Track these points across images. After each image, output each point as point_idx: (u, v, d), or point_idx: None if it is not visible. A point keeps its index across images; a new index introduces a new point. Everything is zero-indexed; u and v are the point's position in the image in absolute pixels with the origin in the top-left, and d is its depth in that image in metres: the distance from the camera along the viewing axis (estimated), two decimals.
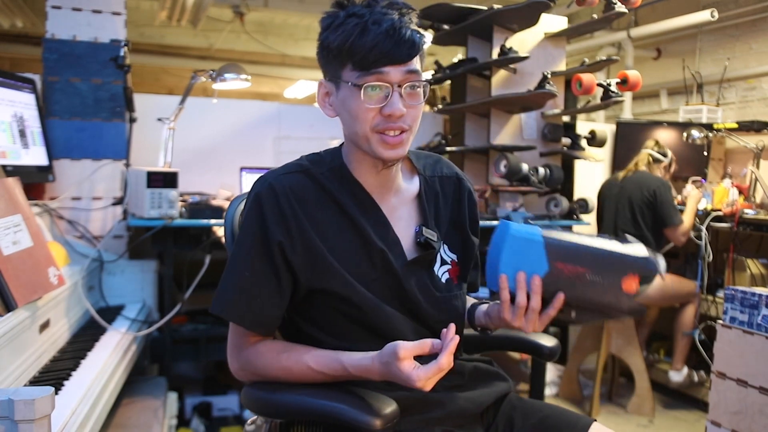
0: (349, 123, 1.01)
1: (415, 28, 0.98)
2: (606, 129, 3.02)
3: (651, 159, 3.03)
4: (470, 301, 1.20)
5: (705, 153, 3.45)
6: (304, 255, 1.00)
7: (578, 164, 3.32)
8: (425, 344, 0.91)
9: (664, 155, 3.04)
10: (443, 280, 1.11)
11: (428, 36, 1.01)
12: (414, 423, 1.03)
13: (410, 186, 1.13)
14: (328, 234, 1.02)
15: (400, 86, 0.97)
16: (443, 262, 1.12)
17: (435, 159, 1.19)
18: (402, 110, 0.97)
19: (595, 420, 1.10)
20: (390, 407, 0.91)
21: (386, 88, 0.97)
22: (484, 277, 1.05)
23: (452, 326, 0.92)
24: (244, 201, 1.19)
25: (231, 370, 1.06)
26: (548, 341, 1.26)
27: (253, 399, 1.01)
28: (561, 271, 0.95)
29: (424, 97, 1.02)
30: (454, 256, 1.13)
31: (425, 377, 0.88)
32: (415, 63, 0.98)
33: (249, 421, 1.21)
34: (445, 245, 1.13)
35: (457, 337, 0.90)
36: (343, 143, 1.10)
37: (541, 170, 2.53)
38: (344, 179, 1.06)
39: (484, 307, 1.13)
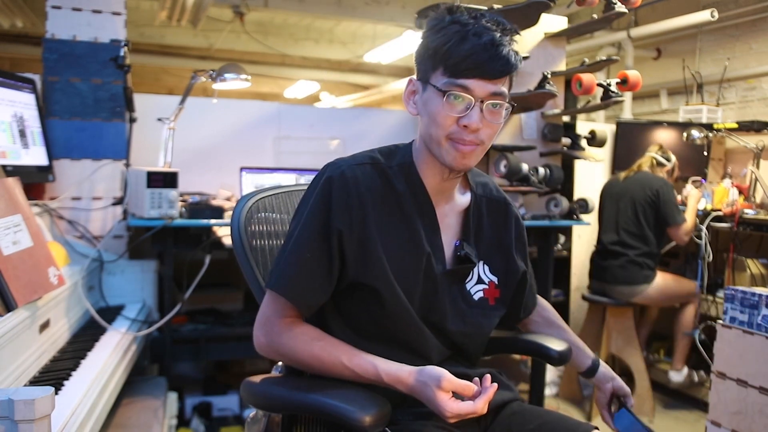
0: (426, 124, 1.03)
1: (514, 48, 1.00)
2: (606, 129, 3.02)
3: (654, 162, 3.04)
4: (586, 353, 1.29)
5: (705, 153, 3.45)
6: (359, 248, 1.02)
7: (578, 164, 3.33)
8: (470, 388, 0.93)
9: (668, 159, 3.05)
10: (476, 297, 1.13)
11: (520, 59, 1.03)
12: (409, 415, 1.04)
13: (462, 199, 1.15)
14: (384, 229, 1.04)
15: (482, 101, 0.98)
16: (479, 281, 1.14)
17: (485, 180, 1.21)
18: (478, 125, 0.99)
19: (597, 428, 1.10)
20: (381, 406, 0.92)
21: (468, 100, 0.98)
22: None
23: (488, 376, 0.95)
24: (251, 201, 1.20)
25: (256, 344, 1.05)
26: (558, 345, 1.25)
27: (251, 392, 1.03)
28: None
29: (505, 117, 1.03)
30: (494, 278, 1.15)
31: (457, 411, 0.90)
32: (504, 83, 1.00)
33: (251, 415, 1.23)
34: (486, 265, 1.15)
35: (495, 386, 0.94)
36: (414, 140, 1.11)
37: (541, 170, 2.53)
38: (410, 177, 1.08)
39: (602, 374, 1.27)
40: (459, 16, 1.00)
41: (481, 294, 1.13)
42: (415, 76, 1.06)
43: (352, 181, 1.02)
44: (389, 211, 1.05)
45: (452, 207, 1.13)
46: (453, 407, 0.90)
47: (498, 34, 0.98)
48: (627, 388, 1.26)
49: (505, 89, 1.00)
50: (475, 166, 1.09)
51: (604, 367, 1.27)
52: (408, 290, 1.04)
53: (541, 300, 1.33)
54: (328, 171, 1.05)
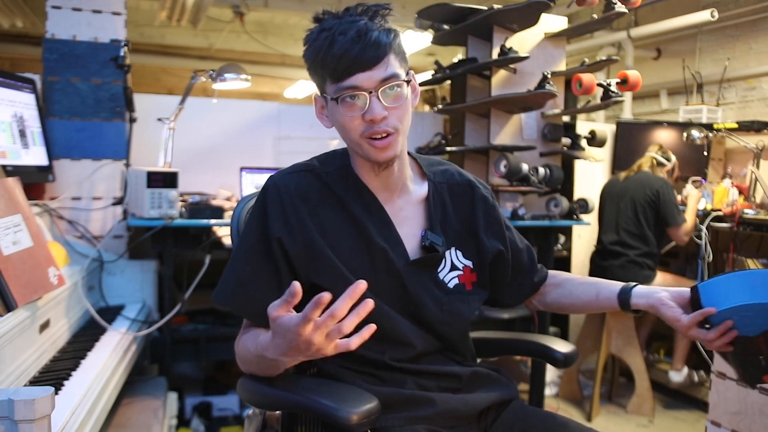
0: (341, 132, 1.04)
1: (385, 27, 0.99)
2: (606, 129, 3.02)
3: (654, 162, 3.04)
4: (610, 283, 1.15)
5: (705, 153, 3.45)
6: (303, 250, 1.03)
7: (578, 164, 3.33)
8: (291, 297, 0.80)
9: (668, 159, 3.05)
10: (450, 284, 1.12)
11: (399, 31, 1.01)
12: (399, 420, 1.03)
13: (419, 189, 1.15)
14: (329, 232, 1.05)
15: (376, 90, 0.98)
16: (453, 267, 1.13)
17: (446, 167, 1.20)
18: (382, 113, 0.98)
19: None
20: (368, 404, 0.91)
21: (363, 96, 0.98)
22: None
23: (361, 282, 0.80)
24: (250, 203, 1.22)
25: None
26: (564, 347, 1.23)
27: (246, 390, 1.04)
28: (758, 343, 0.95)
29: (414, 95, 1.05)
30: (468, 263, 1.14)
31: (302, 326, 0.79)
32: (390, 64, 0.99)
33: (249, 413, 1.24)
34: (458, 251, 1.14)
35: (363, 283, 0.79)
36: None
37: (541, 170, 2.53)
38: (349, 179, 1.09)
39: (642, 290, 1.08)
40: (325, 23, 1.00)
41: (456, 281, 1.12)
42: (316, 94, 1.07)
43: (284, 189, 1.05)
44: (331, 214, 1.06)
45: (408, 199, 1.13)
46: (293, 323, 0.80)
47: (363, 22, 0.98)
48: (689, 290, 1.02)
49: (393, 69, 0.99)
50: (399, 151, 1.05)
51: (642, 288, 1.08)
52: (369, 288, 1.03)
53: (551, 272, 1.28)
54: (264, 185, 1.08)
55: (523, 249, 1.24)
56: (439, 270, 1.12)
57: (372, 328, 0.80)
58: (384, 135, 1.00)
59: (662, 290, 1.06)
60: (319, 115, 1.09)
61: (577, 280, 1.24)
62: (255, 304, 1.02)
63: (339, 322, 0.80)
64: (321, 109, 1.08)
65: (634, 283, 1.11)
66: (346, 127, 1.01)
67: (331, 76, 0.99)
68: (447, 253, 1.13)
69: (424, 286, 1.09)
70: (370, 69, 0.97)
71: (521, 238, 1.25)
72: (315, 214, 1.05)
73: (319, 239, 1.03)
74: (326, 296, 0.78)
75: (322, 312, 0.79)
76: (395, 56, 1.00)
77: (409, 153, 1.15)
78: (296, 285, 0.79)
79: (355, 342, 0.81)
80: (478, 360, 1.21)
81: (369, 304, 0.80)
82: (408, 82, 1.02)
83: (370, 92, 0.98)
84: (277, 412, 1.19)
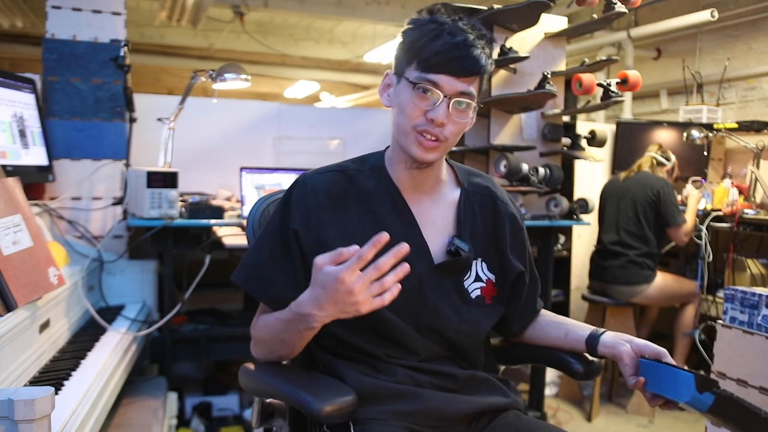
0: (396, 115, 1.06)
1: (486, 52, 1.03)
2: (606, 129, 3.02)
3: (654, 162, 3.04)
4: (580, 326, 1.16)
5: (705, 153, 3.45)
6: (317, 246, 1.03)
7: (578, 164, 3.32)
8: (341, 254, 0.88)
9: (668, 159, 3.05)
10: (473, 295, 1.11)
11: (492, 63, 1.06)
12: (380, 413, 1.03)
13: (451, 194, 1.15)
14: (351, 233, 1.05)
15: (450, 98, 1.01)
16: (477, 279, 1.12)
17: (481, 179, 1.20)
18: (443, 119, 1.01)
19: None
20: (342, 397, 0.92)
21: (437, 95, 1.01)
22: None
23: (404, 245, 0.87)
24: (267, 202, 1.27)
25: (252, 351, 1.12)
26: (583, 359, 1.16)
27: (244, 376, 1.09)
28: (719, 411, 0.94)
29: (472, 119, 1.07)
30: (491, 276, 1.14)
31: (346, 274, 0.85)
32: (474, 84, 1.03)
33: (255, 400, 1.27)
34: (484, 263, 1.13)
35: (406, 247, 0.86)
36: (389, 145, 1.14)
37: (541, 170, 2.53)
38: (381, 178, 1.11)
39: (609, 340, 1.08)
40: (437, 17, 1.04)
41: (478, 292, 1.12)
42: (392, 70, 1.09)
43: (311, 186, 1.08)
44: (355, 214, 1.07)
45: (438, 202, 1.13)
46: (339, 270, 0.86)
47: (472, 36, 1.01)
48: (654, 347, 1.02)
49: (473, 90, 1.03)
50: (440, 159, 1.10)
51: (610, 336, 1.09)
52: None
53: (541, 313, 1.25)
54: (296, 179, 1.11)
55: (536, 279, 1.23)
56: (464, 278, 1.11)
57: (398, 288, 0.87)
58: (434, 138, 1.02)
59: (628, 342, 1.06)
60: (382, 90, 1.10)
61: (548, 318, 1.23)
62: (270, 287, 1.06)
63: (380, 278, 0.86)
64: (387, 86, 1.09)
65: (603, 330, 1.11)
66: (406, 112, 1.03)
67: (420, 64, 1.01)
68: (474, 262, 1.12)
69: (445, 293, 1.08)
70: (457, 77, 1.00)
71: (534, 267, 1.23)
72: (338, 214, 1.06)
73: (336, 239, 1.04)
74: (383, 238, 0.86)
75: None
76: (479, 82, 1.04)
77: (447, 160, 1.17)
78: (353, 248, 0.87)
79: (388, 298, 0.87)
80: (502, 368, 1.20)
81: (405, 267, 0.87)
82: (477, 109, 1.06)
83: (446, 96, 1.00)
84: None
